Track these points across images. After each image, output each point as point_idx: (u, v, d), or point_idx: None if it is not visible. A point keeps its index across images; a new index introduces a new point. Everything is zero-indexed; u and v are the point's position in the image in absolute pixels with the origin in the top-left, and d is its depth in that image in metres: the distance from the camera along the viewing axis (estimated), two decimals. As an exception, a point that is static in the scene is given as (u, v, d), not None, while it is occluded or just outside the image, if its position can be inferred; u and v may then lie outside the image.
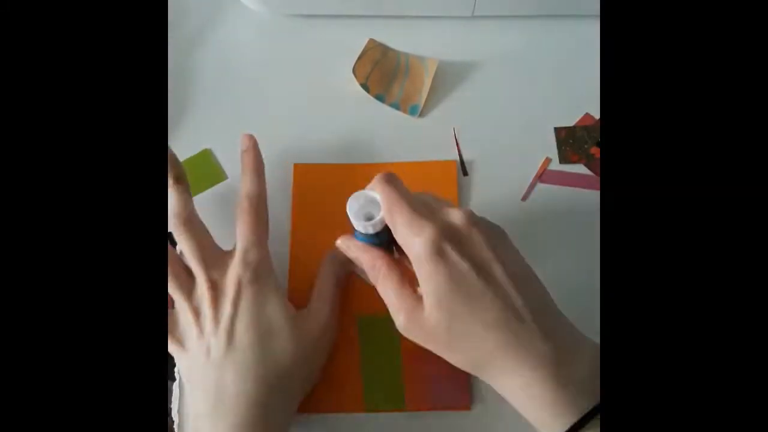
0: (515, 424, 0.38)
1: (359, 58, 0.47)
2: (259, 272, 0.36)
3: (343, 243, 0.36)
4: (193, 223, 0.37)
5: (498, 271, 0.31)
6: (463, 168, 0.45)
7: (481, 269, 0.31)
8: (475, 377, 0.39)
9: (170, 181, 0.38)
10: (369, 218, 0.34)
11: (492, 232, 0.33)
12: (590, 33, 0.49)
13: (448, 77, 0.48)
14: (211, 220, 0.43)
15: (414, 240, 0.31)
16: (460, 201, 0.44)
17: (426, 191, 0.40)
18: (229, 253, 0.37)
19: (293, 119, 0.47)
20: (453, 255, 0.31)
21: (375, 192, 0.34)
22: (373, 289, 0.41)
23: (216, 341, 0.34)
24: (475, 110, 0.47)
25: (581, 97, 0.47)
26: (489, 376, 0.32)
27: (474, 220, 0.32)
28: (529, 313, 0.31)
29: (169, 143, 0.45)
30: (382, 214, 0.33)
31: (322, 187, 0.44)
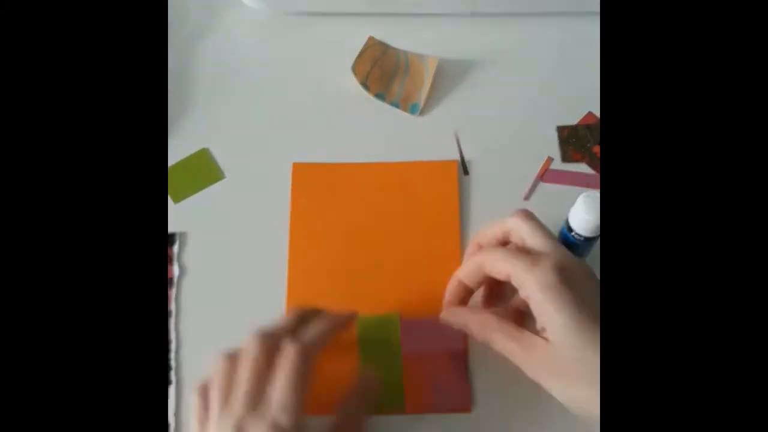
0: (515, 427, 0.38)
1: (359, 56, 0.47)
2: None
3: (449, 314, 0.37)
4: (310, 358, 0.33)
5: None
6: (464, 167, 0.45)
7: (595, 303, 0.32)
8: (476, 379, 0.38)
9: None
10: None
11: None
12: (591, 30, 0.48)
13: (448, 75, 0.48)
14: (209, 219, 0.43)
15: (543, 273, 0.32)
16: (461, 200, 0.43)
17: (427, 190, 0.40)
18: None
19: (292, 118, 0.47)
20: (578, 280, 0.32)
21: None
22: (373, 289, 0.41)
23: None
24: (475, 109, 0.47)
25: (583, 96, 0.47)
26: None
27: (586, 263, 0.34)
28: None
29: (169, 142, 0.45)
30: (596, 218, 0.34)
31: (321, 187, 0.44)
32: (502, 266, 0.34)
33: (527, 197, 0.44)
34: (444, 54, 0.48)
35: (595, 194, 0.34)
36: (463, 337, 0.39)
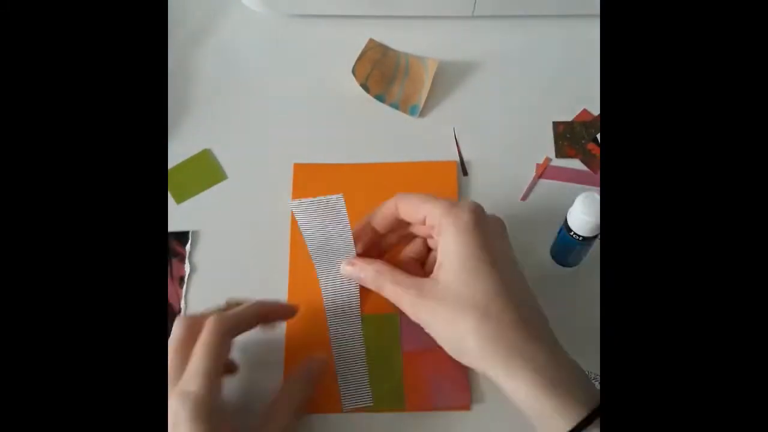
0: (515, 425, 0.38)
1: (359, 58, 0.47)
2: (198, 412, 0.31)
3: (348, 266, 0.38)
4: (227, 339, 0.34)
5: (512, 254, 0.35)
6: (463, 168, 0.45)
7: (510, 255, 0.34)
8: (476, 377, 0.39)
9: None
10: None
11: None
12: (588, 32, 0.49)
13: (447, 77, 0.48)
14: (211, 220, 0.43)
15: (460, 211, 0.33)
16: (460, 201, 0.44)
17: (427, 191, 0.40)
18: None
19: (293, 119, 0.47)
20: (492, 232, 0.34)
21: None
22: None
23: None
24: (475, 110, 0.47)
25: (579, 95, 0.47)
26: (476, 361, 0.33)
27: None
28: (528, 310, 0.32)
29: (169, 143, 0.45)
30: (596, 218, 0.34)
31: (322, 187, 0.44)
32: (420, 207, 0.35)
33: (525, 197, 0.44)
34: (443, 56, 0.48)
35: (593, 194, 0.35)
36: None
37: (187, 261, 0.42)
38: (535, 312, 0.33)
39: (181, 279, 0.42)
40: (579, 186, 0.44)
